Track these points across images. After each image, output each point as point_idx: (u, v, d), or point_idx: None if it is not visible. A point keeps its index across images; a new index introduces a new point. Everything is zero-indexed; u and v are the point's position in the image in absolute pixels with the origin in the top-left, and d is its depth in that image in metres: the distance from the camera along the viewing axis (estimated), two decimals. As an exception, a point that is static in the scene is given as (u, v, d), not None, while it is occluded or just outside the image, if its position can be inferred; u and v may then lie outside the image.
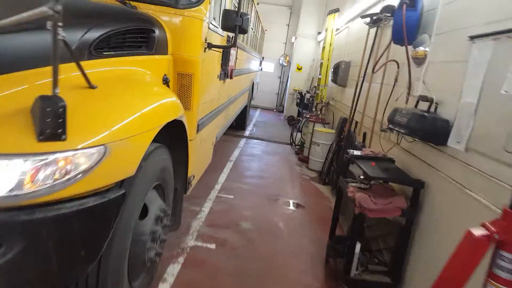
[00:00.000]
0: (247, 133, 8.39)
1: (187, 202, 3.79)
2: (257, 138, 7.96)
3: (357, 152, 3.10)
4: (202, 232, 3.26)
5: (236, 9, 2.74)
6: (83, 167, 1.42)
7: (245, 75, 6.48)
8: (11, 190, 1.27)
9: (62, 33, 1.32)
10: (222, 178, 4.84)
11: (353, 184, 2.78)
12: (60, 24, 1.29)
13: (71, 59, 1.54)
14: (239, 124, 8.08)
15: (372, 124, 3.95)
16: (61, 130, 1.34)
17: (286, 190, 4.86)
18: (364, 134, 4.24)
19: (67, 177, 1.38)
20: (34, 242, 1.33)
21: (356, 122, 4.77)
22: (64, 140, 1.36)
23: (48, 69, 1.56)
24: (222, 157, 5.80)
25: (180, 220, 2.80)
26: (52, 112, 1.31)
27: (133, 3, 2.43)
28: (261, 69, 11.23)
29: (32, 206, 1.32)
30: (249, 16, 2.82)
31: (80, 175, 1.41)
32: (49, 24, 1.28)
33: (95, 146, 1.45)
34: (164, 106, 2.06)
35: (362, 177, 2.76)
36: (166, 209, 2.24)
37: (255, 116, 11.51)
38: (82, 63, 1.72)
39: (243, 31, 2.76)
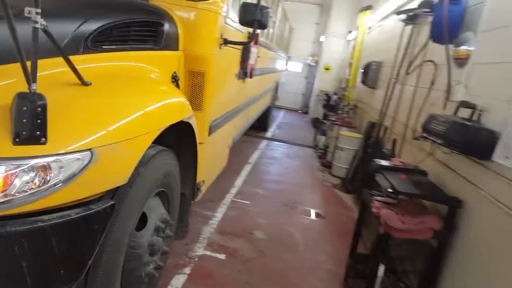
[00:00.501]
0: (269, 134, 8.16)
1: (200, 206, 3.61)
2: (279, 140, 7.70)
3: (384, 162, 2.82)
4: (212, 240, 3.07)
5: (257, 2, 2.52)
6: (64, 175, 1.25)
7: (268, 75, 6.25)
8: (-20, 199, 1.11)
9: (42, 21, 1.14)
10: (239, 181, 4.64)
11: (379, 198, 2.50)
12: (38, 10, 1.11)
13: (63, 52, 1.38)
14: (261, 124, 7.86)
15: (403, 130, 3.63)
16: (39, 132, 1.17)
17: (305, 197, 4.60)
18: (394, 141, 3.92)
19: (45, 186, 1.21)
20: (5, 260, 1.16)
21: (386, 128, 4.45)
22: (43, 143, 1.19)
23: (42, 63, 1.43)
24: (241, 159, 5.60)
25: (188, 228, 2.62)
26: (29, 112, 1.14)
27: (144, -6, 2.26)
28: (287, 69, 10.96)
29: (3, 217, 1.16)
30: (270, 10, 2.58)
31: (61, 184, 1.24)
32: (27, 11, 1.11)
33: (80, 151, 1.28)
34: (168, 106, 1.87)
35: (389, 190, 2.47)
36: (168, 218, 2.05)
37: (279, 117, 11.26)
38: (77, 57, 1.57)
39: (263, 26, 2.54)
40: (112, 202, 1.43)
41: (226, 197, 4.03)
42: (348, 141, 5.47)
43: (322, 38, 11.92)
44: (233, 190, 4.28)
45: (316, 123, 9.78)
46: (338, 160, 5.67)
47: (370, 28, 7.14)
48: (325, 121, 8.21)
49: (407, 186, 2.32)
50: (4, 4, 0.97)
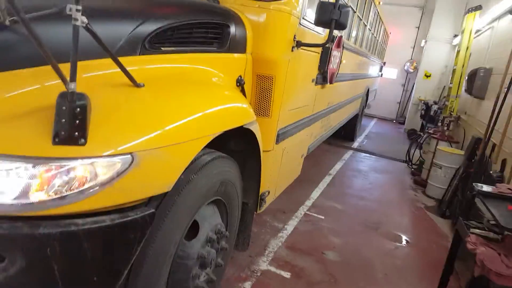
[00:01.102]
0: (355, 144, 7.66)
1: (270, 216, 3.46)
2: (366, 152, 7.16)
3: (488, 187, 2.31)
4: (279, 255, 2.88)
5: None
6: (102, 178, 1.20)
7: (356, 81, 5.86)
8: (16, 198, 1.11)
9: (83, 19, 1.11)
10: (316, 193, 4.36)
11: (477, 231, 2.05)
12: (78, 8, 1.08)
13: (116, 52, 1.36)
14: (347, 134, 7.43)
15: (515, 149, 3.00)
16: (78, 133, 1.14)
17: (391, 218, 4.11)
18: (504, 162, 3.28)
19: (81, 188, 1.17)
20: (36, 261, 1.15)
21: (494, 145, 3.77)
22: (82, 145, 1.15)
23: (90, 63, 1.43)
24: (320, 170, 5.30)
25: (249, 240, 2.48)
26: (68, 112, 1.11)
27: (216, -3, 2.20)
28: (381, 75, 10.27)
29: (38, 218, 1.14)
30: (350, 9, 2.33)
31: (97, 187, 1.19)
32: (68, 8, 1.08)
33: (120, 155, 1.22)
34: (224, 111, 1.75)
35: (492, 223, 2.01)
36: (223, 230, 1.93)
37: (369, 126, 10.56)
38: (132, 58, 1.54)
39: (341, 26, 2.29)
40: (153, 211, 1.35)
41: (300, 209, 3.80)
42: (447, 158, 4.81)
43: (422, 43, 10.93)
44: (308, 203, 4.03)
45: (412, 135, 8.93)
46: (434, 178, 5.02)
47: (478, 31, 6.25)
48: (422, 133, 7.42)
49: (515, 219, 1.85)
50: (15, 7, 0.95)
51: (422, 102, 9.69)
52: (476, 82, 5.19)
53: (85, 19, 1.11)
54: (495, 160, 3.75)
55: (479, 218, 2.52)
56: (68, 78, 1.10)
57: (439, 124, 6.34)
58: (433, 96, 10.07)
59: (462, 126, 5.91)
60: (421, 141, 6.24)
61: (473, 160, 4.17)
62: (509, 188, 2.32)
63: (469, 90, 5.52)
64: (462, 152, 4.73)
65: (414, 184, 5.59)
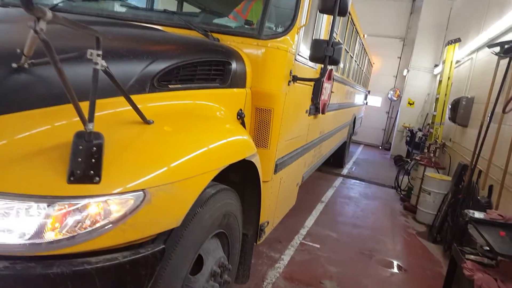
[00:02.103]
0: (345, 171, 7.77)
1: (266, 246, 3.45)
2: (356, 178, 7.27)
3: (479, 214, 2.39)
4: (277, 286, 2.86)
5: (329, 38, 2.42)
6: (115, 216, 1.21)
7: (344, 109, 6.03)
8: (30, 238, 1.12)
9: (102, 63, 1.17)
10: (310, 221, 4.39)
11: (472, 257, 2.10)
12: (99, 52, 1.14)
13: (127, 91, 1.41)
14: (336, 160, 7.54)
15: (502, 176, 3.12)
16: (94, 171, 1.16)
17: (385, 245, 4.15)
18: (490, 188, 3.39)
19: (95, 226, 1.19)
20: (49, 301, 1.14)
21: (480, 171, 3.90)
22: (97, 183, 1.17)
23: (103, 102, 1.47)
24: (313, 197, 5.35)
25: (249, 272, 2.47)
26: (84, 151, 1.14)
27: (215, 35, 2.30)
28: (366, 103, 10.57)
29: (51, 257, 1.15)
30: (342, 46, 2.46)
31: (111, 225, 1.21)
32: (89, 53, 1.14)
33: (133, 192, 1.24)
34: (229, 145, 1.81)
35: (485, 248, 2.07)
36: (226, 263, 1.93)
37: (357, 153, 10.75)
38: (142, 96, 1.59)
39: (334, 62, 2.41)
40: (163, 247, 1.37)
41: (295, 239, 3.81)
42: (435, 184, 4.93)
43: (404, 72, 11.38)
44: (303, 231, 4.05)
45: (399, 161, 9.12)
46: (423, 204, 5.12)
47: (458, 61, 6.57)
48: (408, 159, 7.59)
49: (508, 246, 1.91)
50: (49, 47, 0.99)
51: (407, 129, 9.95)
52: (459, 110, 5.40)
53: (104, 63, 1.17)
54: (482, 186, 3.87)
55: (472, 244, 2.58)
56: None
57: (425, 150, 6.51)
58: (417, 123, 10.37)
59: (448, 153, 6.09)
60: (409, 168, 6.38)
61: (460, 186, 4.29)
62: (499, 215, 2.41)
63: (452, 118, 5.73)
64: (449, 178, 4.85)
65: (404, 210, 5.67)
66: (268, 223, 2.58)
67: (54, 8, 2.28)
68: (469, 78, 5.86)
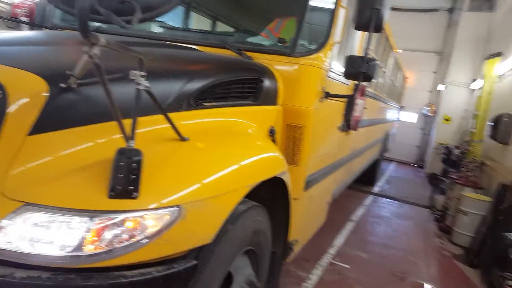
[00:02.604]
0: (376, 189, 7.57)
1: (294, 265, 3.41)
2: (388, 197, 7.06)
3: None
4: (305, 306, 2.82)
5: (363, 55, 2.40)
6: (151, 231, 1.25)
7: (376, 126, 5.92)
8: (71, 250, 1.17)
9: (145, 83, 1.22)
10: (339, 240, 4.30)
11: (514, 285, 1.99)
12: (142, 73, 1.20)
13: (163, 110, 1.46)
14: (367, 178, 7.36)
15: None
16: (133, 187, 1.21)
17: (418, 267, 3.99)
18: (534, 211, 3.19)
19: (132, 240, 1.23)
20: (85, 312, 1.18)
21: (522, 193, 3.70)
22: (135, 198, 1.22)
23: (141, 119, 1.53)
24: (342, 215, 5.24)
25: (277, 291, 2.44)
26: (125, 167, 1.19)
27: (249, 54, 2.35)
28: (399, 119, 10.32)
29: (89, 270, 1.19)
30: (377, 62, 2.44)
31: (147, 239, 1.24)
32: (132, 74, 1.20)
33: (168, 207, 1.28)
34: (261, 161, 1.83)
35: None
36: (255, 281, 1.93)
37: (389, 170, 10.46)
38: (179, 114, 1.65)
39: (369, 78, 2.39)
40: (195, 262, 1.39)
41: (324, 258, 3.74)
42: (473, 204, 4.72)
43: (440, 87, 11.04)
44: (332, 251, 3.97)
45: (434, 180, 8.78)
46: (460, 225, 4.89)
47: (500, 76, 6.32)
48: (444, 178, 7.32)
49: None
50: (100, 71, 1.05)
51: (443, 146, 9.61)
52: (500, 127, 5.17)
53: (146, 83, 1.23)
54: (525, 209, 3.67)
55: (514, 271, 2.45)
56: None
57: (462, 169, 6.27)
58: (454, 140, 9.98)
59: (487, 172, 5.81)
60: (444, 187, 6.14)
61: (501, 207, 4.08)
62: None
63: (493, 136, 5.49)
64: (489, 199, 4.63)
65: (439, 231, 5.45)
66: (297, 241, 2.55)
67: (95, 30, 2.41)
68: (511, 94, 5.61)
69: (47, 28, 2.85)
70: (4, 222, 1.15)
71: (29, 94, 1.29)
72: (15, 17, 4.45)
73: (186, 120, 1.66)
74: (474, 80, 9.38)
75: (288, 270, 3.30)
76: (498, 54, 5.94)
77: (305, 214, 2.71)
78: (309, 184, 2.56)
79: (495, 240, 3.74)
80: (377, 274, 3.61)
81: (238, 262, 1.82)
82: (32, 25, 2.95)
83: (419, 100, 12.03)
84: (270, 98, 2.21)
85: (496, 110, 5.97)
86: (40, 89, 1.30)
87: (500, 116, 5.26)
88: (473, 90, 9.41)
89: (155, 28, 2.79)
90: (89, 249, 1.18)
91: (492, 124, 5.48)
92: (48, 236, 1.17)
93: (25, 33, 2.41)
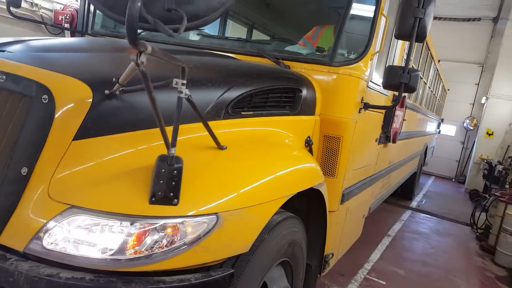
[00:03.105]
0: (414, 204, 7.29)
1: (329, 278, 3.33)
2: (426, 212, 6.77)
3: None
4: (339, 322, 2.73)
5: (404, 65, 2.33)
6: (190, 237, 1.26)
7: (415, 138, 5.73)
8: (113, 254, 1.19)
9: (186, 91, 1.24)
10: (375, 256, 4.15)
11: None
12: (184, 82, 1.21)
13: (203, 118, 1.48)
14: (405, 192, 7.11)
15: None
16: (173, 193, 1.22)
17: (458, 287, 3.77)
18: None
19: (171, 246, 1.24)
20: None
21: None
22: (175, 205, 1.23)
23: (181, 127, 1.55)
24: (379, 230, 5.07)
25: (311, 304, 2.38)
26: (166, 174, 1.21)
27: (286, 63, 2.34)
28: (439, 132, 9.95)
29: (129, 274, 1.21)
30: (419, 73, 2.35)
31: (186, 246, 1.25)
32: (174, 82, 1.22)
33: (207, 215, 1.29)
34: (298, 172, 1.80)
35: None
36: (291, 292, 1.89)
37: (427, 184, 10.05)
38: (217, 122, 1.66)
39: (410, 89, 2.30)
40: (232, 271, 1.38)
41: (359, 273, 3.62)
42: (518, 224, 4.43)
43: (483, 100, 10.56)
44: (368, 266, 3.84)
45: (475, 196, 8.36)
46: (504, 245, 4.61)
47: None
48: (486, 195, 6.94)
49: None
50: (146, 79, 1.07)
51: (485, 161, 9.15)
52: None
53: (188, 92, 1.24)
54: None
55: None
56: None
57: (506, 186, 5.93)
58: (496, 156, 9.50)
59: (534, 190, 5.46)
60: (487, 204, 5.82)
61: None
62: None
63: (540, 152, 5.17)
64: (538, 219, 4.35)
65: (481, 251, 5.17)
66: (332, 255, 2.49)
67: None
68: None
69: (89, 34, 2.97)
70: (51, 223, 1.19)
71: (74, 100, 1.33)
72: (58, 24, 4.67)
73: (224, 128, 1.67)
74: (521, 92, 8.91)
75: (323, 284, 3.22)
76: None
77: (341, 227, 2.64)
78: (345, 196, 2.50)
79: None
80: (415, 293, 3.45)
81: (273, 273, 1.80)
82: (74, 32, 3.08)
83: (460, 113, 11.56)
84: (307, 108, 2.18)
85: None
86: (85, 95, 1.35)
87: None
88: (520, 103, 8.94)
89: (193, 36, 2.84)
90: (130, 253, 1.20)
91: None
92: (91, 238, 1.19)
93: (69, 39, 2.52)
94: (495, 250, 4.82)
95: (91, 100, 1.35)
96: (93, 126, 1.34)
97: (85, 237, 1.20)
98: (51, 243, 1.19)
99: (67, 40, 2.38)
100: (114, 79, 1.36)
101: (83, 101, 1.34)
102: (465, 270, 4.34)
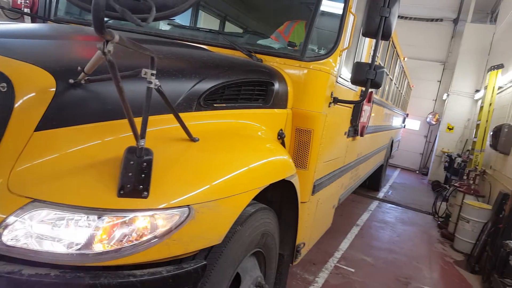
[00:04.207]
0: (381, 195, 7.55)
1: (301, 268, 3.39)
2: (392, 203, 7.05)
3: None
4: (310, 311, 2.79)
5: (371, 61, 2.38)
6: (161, 230, 1.24)
7: (382, 132, 5.91)
8: (79, 248, 1.15)
9: (156, 82, 1.20)
10: (345, 245, 4.28)
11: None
12: (153, 72, 1.18)
13: (174, 110, 1.45)
14: (372, 183, 7.35)
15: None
16: (142, 186, 1.19)
17: (421, 273, 3.97)
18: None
19: (141, 239, 1.21)
20: (94, 310, 1.16)
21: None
22: (145, 197, 1.21)
23: (152, 119, 1.51)
24: (348, 220, 5.23)
25: (284, 294, 2.42)
26: (135, 166, 1.17)
27: (259, 56, 2.34)
28: (404, 126, 10.32)
29: (98, 268, 1.18)
30: (385, 70, 2.42)
31: (157, 239, 1.23)
32: (143, 72, 1.18)
33: (178, 207, 1.27)
34: (271, 164, 1.81)
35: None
36: (263, 283, 1.91)
37: (393, 176, 10.44)
38: (189, 114, 1.63)
39: (376, 85, 2.36)
40: (205, 263, 1.37)
41: (330, 261, 3.72)
42: (474, 212, 4.73)
43: (444, 96, 11.05)
44: (338, 254, 3.95)
45: (437, 187, 8.77)
46: (462, 232, 4.90)
47: (501, 88, 6.32)
48: (447, 186, 7.30)
49: None
50: (114, 68, 1.03)
51: (446, 154, 9.59)
52: (501, 137, 5.18)
53: (157, 82, 1.21)
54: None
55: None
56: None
57: (464, 177, 6.26)
58: (456, 149, 9.99)
59: (488, 180, 5.80)
60: (447, 194, 6.13)
61: (501, 215, 4.09)
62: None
63: (494, 146, 5.49)
64: (490, 207, 4.65)
65: (441, 238, 5.46)
66: (304, 244, 2.53)
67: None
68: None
69: (51, 21, 2.82)
70: (11, 218, 1.13)
71: (36, 89, 1.27)
72: (17, 8, 4.37)
73: (196, 120, 1.65)
74: (477, 90, 9.39)
75: (295, 273, 3.29)
76: (500, 66, 5.94)
77: (313, 218, 2.69)
78: (316, 188, 2.55)
79: (495, 248, 3.73)
80: (381, 278, 3.60)
81: (246, 264, 1.81)
82: (35, 17, 2.91)
83: (423, 108, 12.06)
84: (280, 101, 2.20)
85: (497, 120, 5.97)
86: (48, 84, 1.28)
87: (500, 126, 5.27)
88: (476, 100, 9.41)
89: (164, 26, 2.77)
90: (98, 247, 1.17)
91: (493, 134, 5.48)
92: (56, 233, 1.15)
93: (30, 25, 2.36)
94: (454, 237, 5.10)
95: (54, 89, 1.28)
96: (57, 116, 1.28)
97: (49, 232, 1.14)
98: (12, 239, 1.12)
99: (27, 25, 2.23)
100: (79, 68, 1.30)
101: (45, 90, 1.28)
102: (427, 256, 4.55)
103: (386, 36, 2.23)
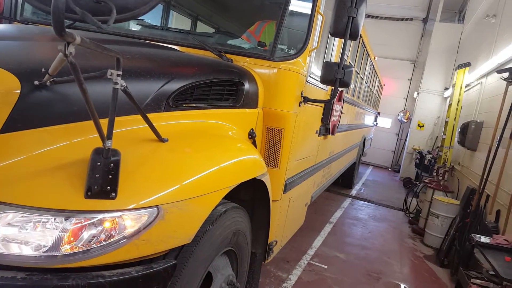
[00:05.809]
0: (353, 192, 7.73)
1: (274, 265, 3.44)
2: (365, 200, 7.23)
3: (485, 238, 2.37)
4: (283, 307, 2.84)
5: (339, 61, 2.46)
6: (129, 231, 1.24)
7: (354, 131, 6.05)
8: (46, 250, 1.15)
9: (122, 82, 1.21)
10: (318, 242, 4.36)
11: (478, 281, 2.08)
12: (119, 73, 1.19)
13: (143, 109, 1.46)
14: (345, 181, 7.51)
15: (509, 201, 3.08)
16: (110, 187, 1.20)
17: (392, 267, 4.10)
18: (498, 213, 3.35)
19: (109, 240, 1.22)
20: (62, 312, 1.16)
21: (488, 196, 3.87)
22: (113, 198, 1.21)
23: (119, 119, 1.51)
24: (321, 217, 5.33)
25: (256, 292, 2.46)
26: (102, 167, 1.18)
27: (229, 56, 2.37)
28: (376, 125, 10.58)
29: (66, 270, 1.18)
30: (353, 69, 2.50)
31: (125, 240, 1.24)
32: (109, 73, 1.19)
33: (147, 208, 1.28)
34: (241, 163, 1.84)
35: (491, 273, 2.05)
36: (235, 281, 1.94)
37: (366, 174, 10.69)
38: (157, 114, 1.64)
39: (345, 84, 2.44)
40: (174, 262, 1.39)
41: (303, 259, 3.79)
42: (443, 207, 4.89)
43: (415, 94, 11.41)
44: (311, 251, 4.02)
45: (408, 184, 9.05)
46: (431, 227, 5.07)
47: (468, 85, 6.60)
48: (417, 182, 7.55)
49: (518, 273, 1.89)
50: (76, 69, 1.04)
51: (416, 151, 9.91)
52: (468, 134, 5.39)
53: (123, 83, 1.22)
54: (489, 211, 3.83)
55: (478, 268, 2.55)
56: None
57: (434, 173, 6.48)
58: (427, 146, 10.33)
59: (456, 176, 6.04)
60: (417, 190, 6.33)
61: (468, 210, 4.26)
62: (505, 240, 2.38)
63: (461, 142, 5.71)
64: (458, 202, 4.82)
65: (412, 233, 5.62)
66: (276, 242, 2.58)
67: (72, 26, 2.32)
68: (478, 103, 5.86)
69: (17, 21, 2.76)
70: (-25, 221, 1.12)
71: (0, 91, 1.25)
72: None
73: (165, 121, 1.66)
74: (446, 88, 9.74)
75: (268, 271, 3.33)
76: (467, 65, 6.20)
77: (285, 216, 2.74)
78: (288, 186, 2.60)
79: (462, 241, 3.90)
80: (353, 274, 3.69)
81: (217, 262, 1.83)
82: (1, 18, 2.83)
83: (395, 107, 12.39)
84: (250, 101, 2.23)
85: (465, 117, 6.23)
86: (12, 86, 1.27)
87: (468, 123, 5.50)
88: (445, 98, 9.77)
89: (133, 26, 2.76)
90: (65, 249, 1.16)
91: (461, 131, 5.71)
92: (23, 236, 1.14)
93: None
94: (424, 232, 5.27)
95: (19, 91, 1.27)
96: (22, 118, 1.27)
97: (16, 234, 1.14)
98: None
99: (-10, 26, 2.18)
100: (43, 70, 1.30)
101: (9, 92, 1.27)
102: (398, 251, 4.70)
103: (354, 36, 2.29)
